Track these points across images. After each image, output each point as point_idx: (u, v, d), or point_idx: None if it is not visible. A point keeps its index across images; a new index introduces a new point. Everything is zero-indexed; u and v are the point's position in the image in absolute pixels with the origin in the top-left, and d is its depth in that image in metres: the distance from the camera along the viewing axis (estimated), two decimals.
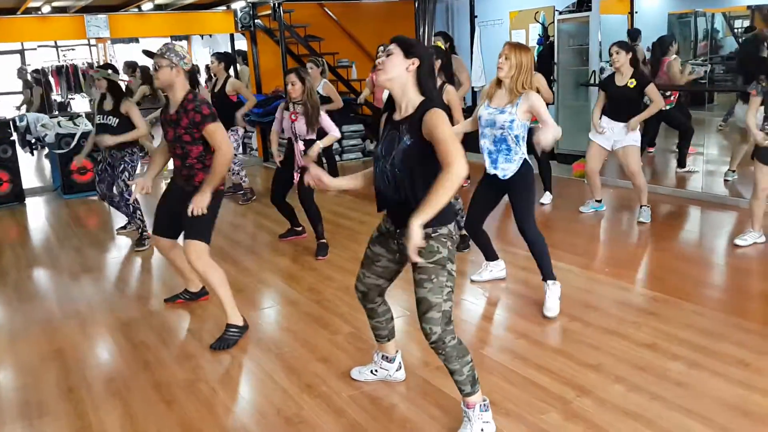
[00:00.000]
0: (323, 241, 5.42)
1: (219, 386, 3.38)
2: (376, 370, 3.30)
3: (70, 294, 4.89)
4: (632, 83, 5.65)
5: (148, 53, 3.84)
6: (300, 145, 5.32)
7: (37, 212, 7.75)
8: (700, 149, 7.54)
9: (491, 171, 4.06)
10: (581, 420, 2.87)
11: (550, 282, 4.07)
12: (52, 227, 7.04)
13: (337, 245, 5.53)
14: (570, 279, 4.53)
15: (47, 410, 3.22)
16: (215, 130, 3.72)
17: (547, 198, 6.67)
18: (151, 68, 3.79)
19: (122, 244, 6.17)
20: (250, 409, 3.21)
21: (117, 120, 5.64)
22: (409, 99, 2.60)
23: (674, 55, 7.33)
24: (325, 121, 5.31)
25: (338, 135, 5.40)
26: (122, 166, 5.79)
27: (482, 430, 2.73)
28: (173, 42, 3.81)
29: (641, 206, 5.87)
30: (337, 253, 5.40)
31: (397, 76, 2.57)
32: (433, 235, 2.60)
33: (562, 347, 3.58)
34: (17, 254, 5.96)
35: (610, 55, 5.70)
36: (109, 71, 5.82)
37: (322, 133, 5.36)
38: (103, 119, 5.75)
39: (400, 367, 3.30)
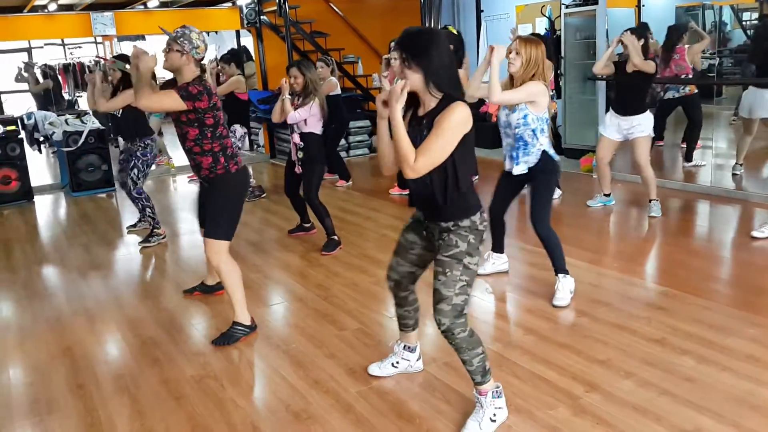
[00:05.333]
0: (333, 237, 5.41)
1: (227, 382, 3.38)
2: (397, 362, 3.30)
3: (78, 291, 4.91)
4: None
5: (165, 32, 3.75)
6: (295, 137, 5.36)
7: (46, 210, 7.78)
8: (708, 143, 7.50)
9: (513, 170, 4.07)
10: (590, 415, 2.86)
11: (560, 275, 4.07)
12: (60, 225, 7.07)
13: (344, 241, 5.52)
14: (578, 274, 4.51)
15: (56, 407, 3.23)
16: (169, 94, 3.58)
17: (555, 193, 6.64)
18: (166, 48, 3.71)
19: (131, 241, 6.19)
20: (258, 405, 3.22)
21: (120, 111, 5.70)
22: (431, 94, 2.60)
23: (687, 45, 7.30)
24: (308, 108, 5.26)
25: (290, 122, 5.27)
26: (132, 161, 5.82)
27: (494, 415, 2.79)
28: (191, 27, 3.72)
29: (650, 200, 5.85)
30: (345, 250, 5.40)
31: (418, 84, 2.57)
32: (452, 228, 2.67)
33: (570, 342, 3.57)
34: (26, 252, 5.99)
35: (623, 42, 5.67)
36: (119, 63, 5.82)
37: (328, 128, 5.37)
38: (116, 112, 5.84)
39: (420, 357, 3.33)
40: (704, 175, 7.06)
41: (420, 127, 2.62)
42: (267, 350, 3.73)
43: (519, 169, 4.05)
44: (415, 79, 2.55)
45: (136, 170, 5.84)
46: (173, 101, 3.59)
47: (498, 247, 4.57)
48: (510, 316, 4.16)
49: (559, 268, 4.09)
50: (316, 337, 3.84)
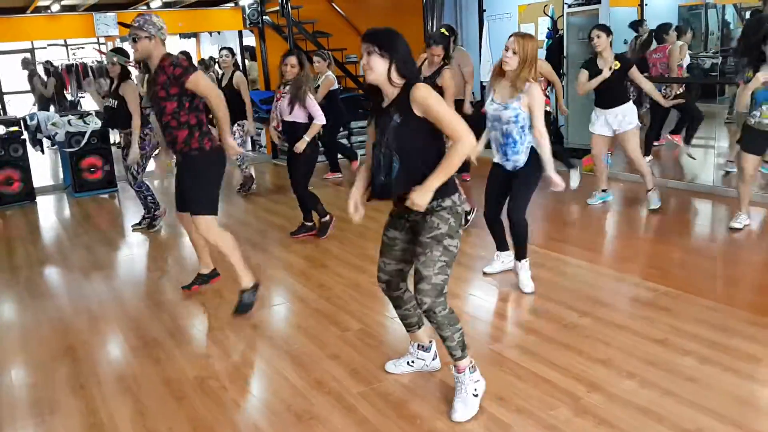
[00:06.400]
0: (324, 220, 5.53)
1: (229, 383, 3.39)
2: (412, 362, 3.32)
3: (81, 291, 4.92)
4: (616, 65, 5.67)
5: (125, 25, 3.90)
6: (276, 121, 5.55)
7: (48, 210, 7.79)
8: (711, 142, 7.47)
9: (503, 163, 4.15)
10: (591, 416, 2.86)
11: (524, 261, 4.25)
12: (62, 225, 7.08)
13: (346, 242, 5.52)
14: (580, 274, 4.51)
15: (59, 407, 3.24)
16: (198, 79, 3.79)
17: (575, 180, 6.60)
18: (129, 41, 3.86)
19: (133, 241, 6.20)
20: (260, 405, 3.22)
21: (116, 102, 5.87)
22: (392, 85, 2.72)
23: (680, 42, 7.25)
24: (312, 105, 5.29)
25: (322, 122, 5.35)
26: (126, 150, 5.96)
27: (475, 390, 2.90)
28: (150, 14, 3.91)
29: (648, 191, 5.90)
30: (347, 250, 5.40)
31: (383, 72, 2.68)
32: (436, 208, 2.75)
33: (572, 343, 3.56)
34: (29, 252, 6.00)
35: (591, 39, 5.74)
36: (120, 57, 5.91)
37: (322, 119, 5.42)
38: (108, 102, 6.04)
39: (436, 356, 3.33)
40: (706, 175, 7.04)
41: (387, 116, 2.72)
42: (269, 351, 3.73)
43: (509, 166, 4.13)
44: (380, 68, 2.66)
45: (135, 164, 5.92)
46: (207, 78, 3.86)
47: (503, 246, 4.57)
48: (511, 316, 4.15)
49: (523, 254, 4.25)
50: (318, 337, 3.84)
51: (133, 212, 7.05)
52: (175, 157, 4.12)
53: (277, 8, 9.50)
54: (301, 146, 5.34)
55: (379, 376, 3.32)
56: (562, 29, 8.48)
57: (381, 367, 3.38)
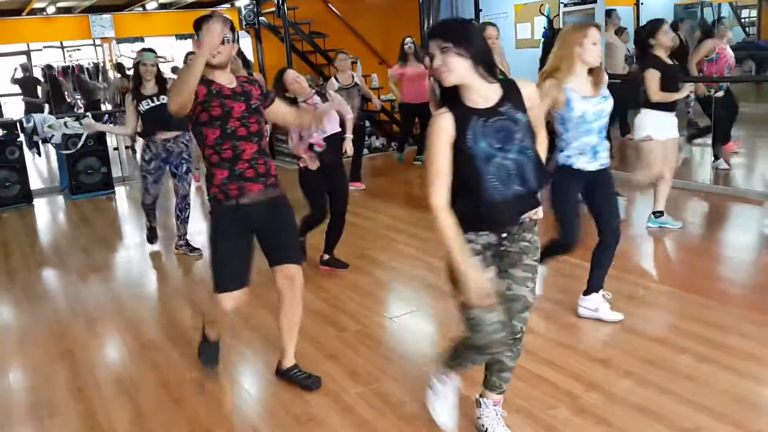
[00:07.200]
0: (302, 240, 4.83)
1: (227, 385, 3.38)
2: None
3: (78, 294, 4.91)
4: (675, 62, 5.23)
5: (209, 16, 2.97)
6: (316, 138, 4.51)
7: (45, 213, 7.79)
8: (708, 141, 7.47)
9: (592, 166, 3.58)
10: (590, 415, 2.86)
11: (603, 292, 3.82)
12: (60, 228, 7.07)
13: (345, 243, 5.50)
14: (579, 274, 4.49)
15: (57, 410, 3.23)
16: (280, 107, 3.30)
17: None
18: (224, 40, 2.95)
19: (130, 243, 6.19)
20: (258, 407, 3.22)
21: (160, 101, 5.11)
22: (488, 82, 2.34)
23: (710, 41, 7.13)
24: (340, 103, 4.88)
25: (351, 114, 5.06)
26: (183, 164, 5.33)
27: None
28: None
29: (661, 212, 5.36)
30: (345, 251, 5.38)
31: (463, 70, 2.29)
32: (534, 227, 2.49)
33: (570, 342, 3.56)
34: (26, 255, 5.99)
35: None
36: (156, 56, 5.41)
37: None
38: (153, 102, 5.16)
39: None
40: (704, 174, 7.05)
41: (504, 116, 2.32)
42: (267, 352, 3.72)
43: (603, 164, 3.61)
44: (460, 68, 2.27)
45: (189, 173, 5.43)
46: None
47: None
48: None
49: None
50: (316, 338, 3.83)
51: (129, 214, 7.05)
52: (248, 195, 3.07)
53: (274, 9, 9.50)
54: (350, 145, 5.12)
55: (378, 376, 3.32)
56: (559, 28, 8.49)
57: (379, 368, 3.38)
